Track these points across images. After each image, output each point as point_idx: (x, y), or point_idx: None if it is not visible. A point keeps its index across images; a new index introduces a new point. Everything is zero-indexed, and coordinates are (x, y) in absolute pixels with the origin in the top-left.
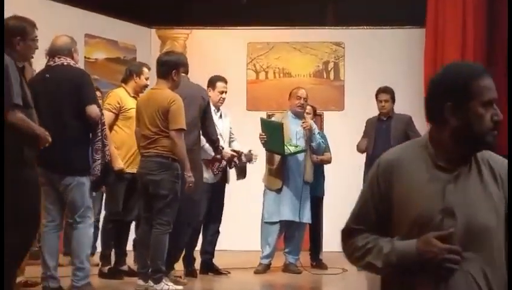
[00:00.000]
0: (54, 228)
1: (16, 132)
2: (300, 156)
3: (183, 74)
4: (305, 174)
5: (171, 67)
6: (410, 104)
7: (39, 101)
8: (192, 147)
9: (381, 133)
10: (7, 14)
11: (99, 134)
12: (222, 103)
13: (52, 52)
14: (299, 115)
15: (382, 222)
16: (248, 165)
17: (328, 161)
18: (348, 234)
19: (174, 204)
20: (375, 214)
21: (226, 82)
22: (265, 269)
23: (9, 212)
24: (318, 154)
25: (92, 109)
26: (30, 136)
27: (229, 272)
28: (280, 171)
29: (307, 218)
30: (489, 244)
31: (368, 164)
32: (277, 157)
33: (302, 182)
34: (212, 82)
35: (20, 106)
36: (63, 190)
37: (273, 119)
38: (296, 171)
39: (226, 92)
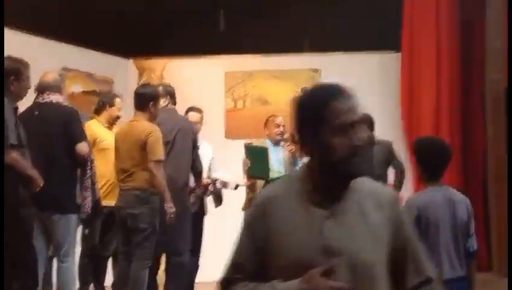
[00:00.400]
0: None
1: (11, 172)
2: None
3: (172, 106)
4: None
5: (148, 99)
6: (387, 129)
7: (28, 139)
8: (187, 180)
9: None
10: None
11: (89, 171)
12: (197, 132)
13: (41, 89)
14: (278, 143)
15: (260, 268)
16: (227, 195)
17: None
18: (225, 285)
19: (152, 237)
20: (252, 259)
21: (198, 112)
22: None
23: (7, 252)
24: None
25: (82, 147)
26: (24, 177)
27: None
28: None
29: None
30: (374, 278)
31: None
32: (259, 184)
33: None
34: (185, 113)
35: (15, 145)
36: (50, 227)
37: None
38: None
39: (199, 123)
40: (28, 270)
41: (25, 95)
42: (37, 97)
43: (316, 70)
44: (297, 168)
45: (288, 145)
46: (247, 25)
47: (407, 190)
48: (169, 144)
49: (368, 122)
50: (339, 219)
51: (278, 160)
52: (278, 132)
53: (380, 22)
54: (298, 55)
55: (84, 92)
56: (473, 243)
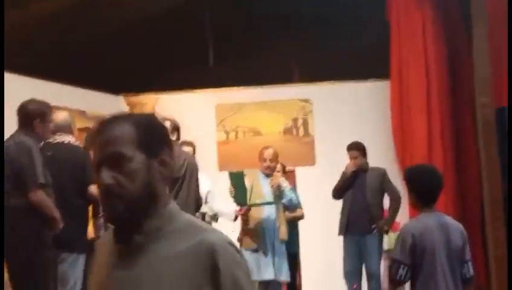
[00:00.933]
0: None
1: (38, 211)
2: (272, 215)
3: (178, 142)
4: (280, 233)
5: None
6: (379, 156)
7: None
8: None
9: (358, 187)
10: None
11: (101, 211)
12: None
13: (52, 129)
14: (268, 175)
15: None
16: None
17: (301, 217)
18: None
19: None
20: None
21: (191, 145)
22: None
23: None
24: (290, 211)
25: (95, 189)
26: (48, 218)
27: None
28: (255, 231)
29: (285, 276)
30: None
31: (346, 216)
32: (252, 218)
33: (277, 241)
34: None
35: (43, 185)
36: (60, 264)
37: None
38: (271, 230)
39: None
40: None
41: (48, 137)
42: (53, 137)
43: (306, 100)
44: (285, 200)
45: (271, 180)
46: (237, 57)
47: (404, 216)
48: (179, 181)
49: (361, 149)
50: (129, 269)
51: (268, 192)
52: (265, 166)
53: (369, 51)
54: (288, 86)
55: (77, 130)
56: (469, 269)
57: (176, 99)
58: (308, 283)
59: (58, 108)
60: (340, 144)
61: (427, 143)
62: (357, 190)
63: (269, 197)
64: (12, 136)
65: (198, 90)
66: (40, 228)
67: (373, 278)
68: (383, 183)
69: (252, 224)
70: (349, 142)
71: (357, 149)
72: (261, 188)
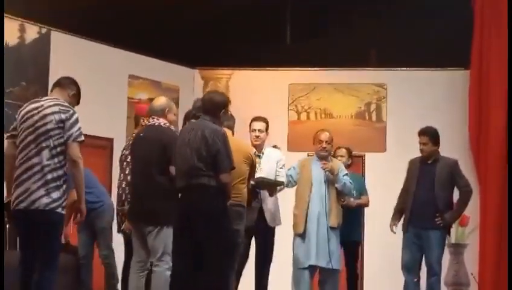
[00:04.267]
0: (139, 268)
1: (223, 189)
2: (322, 200)
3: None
4: (329, 219)
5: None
6: (454, 147)
7: (136, 158)
8: None
9: (425, 176)
10: (59, 60)
11: None
12: (258, 142)
13: (149, 113)
14: (323, 158)
15: None
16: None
17: (366, 205)
18: None
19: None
20: None
21: (261, 120)
22: None
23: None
24: (344, 196)
25: (173, 170)
26: (227, 195)
27: None
28: (303, 216)
29: (335, 264)
30: None
31: (409, 207)
32: (301, 202)
33: (327, 227)
34: (251, 122)
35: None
36: (148, 236)
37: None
38: (321, 216)
39: (260, 130)
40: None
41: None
42: (148, 120)
43: (381, 85)
44: (338, 185)
45: (323, 164)
46: (313, 38)
47: (475, 211)
48: None
49: (431, 135)
50: None
51: (318, 176)
52: (320, 148)
53: (448, 38)
54: (363, 69)
55: (151, 100)
56: None
57: (250, 75)
58: (370, 273)
59: (134, 77)
60: (412, 132)
61: (505, 140)
62: (425, 179)
63: (317, 180)
64: (200, 122)
65: (272, 68)
66: (224, 204)
67: (433, 274)
68: (454, 174)
69: (300, 208)
70: None
71: (427, 135)
72: (309, 171)
